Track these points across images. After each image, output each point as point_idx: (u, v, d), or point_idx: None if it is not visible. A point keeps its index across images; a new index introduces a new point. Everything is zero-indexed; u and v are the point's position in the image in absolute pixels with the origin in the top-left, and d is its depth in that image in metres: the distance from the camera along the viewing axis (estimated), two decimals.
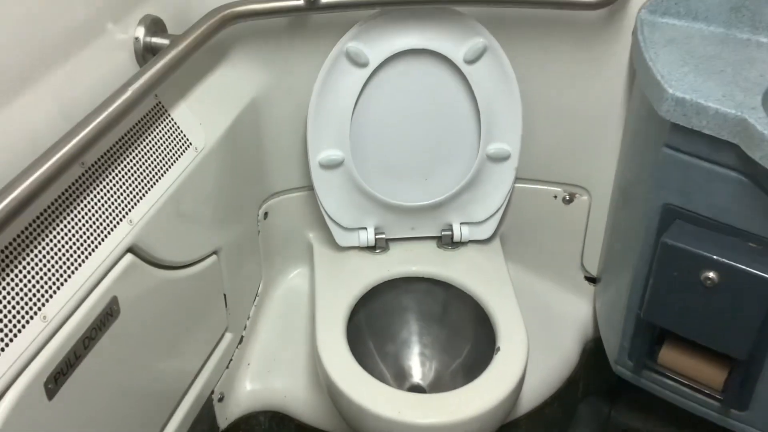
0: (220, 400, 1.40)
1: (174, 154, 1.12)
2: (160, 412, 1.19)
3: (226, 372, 1.40)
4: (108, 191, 0.99)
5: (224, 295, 1.34)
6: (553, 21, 1.29)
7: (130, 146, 1.05)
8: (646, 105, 1.14)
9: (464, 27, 1.27)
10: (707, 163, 1.07)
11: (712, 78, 1.07)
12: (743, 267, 1.07)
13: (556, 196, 1.52)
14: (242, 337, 1.46)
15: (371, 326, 1.43)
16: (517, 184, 1.46)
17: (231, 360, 1.42)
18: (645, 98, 1.14)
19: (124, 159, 1.04)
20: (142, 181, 1.05)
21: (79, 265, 0.92)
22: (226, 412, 1.43)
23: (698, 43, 1.16)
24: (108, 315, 0.96)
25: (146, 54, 1.10)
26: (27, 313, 0.85)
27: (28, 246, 0.87)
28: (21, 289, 0.85)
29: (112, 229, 0.98)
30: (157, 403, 1.18)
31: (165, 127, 1.12)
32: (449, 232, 1.46)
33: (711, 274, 1.09)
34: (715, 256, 1.08)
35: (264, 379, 1.47)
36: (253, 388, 1.46)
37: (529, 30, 1.31)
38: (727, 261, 1.08)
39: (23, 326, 0.84)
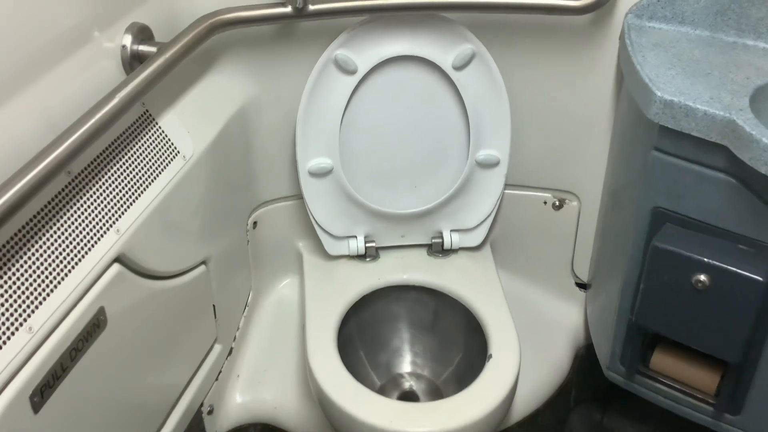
0: (210, 412, 1.38)
1: (162, 163, 1.11)
2: (149, 426, 1.17)
3: (216, 384, 1.38)
4: (95, 200, 0.98)
5: (213, 305, 1.32)
6: (540, 27, 1.30)
7: (117, 155, 1.04)
8: (635, 109, 1.15)
9: (452, 33, 1.27)
10: (696, 165, 1.07)
11: (700, 80, 1.08)
12: (734, 269, 1.07)
13: (545, 202, 1.52)
14: (232, 348, 1.45)
15: (362, 335, 1.42)
16: (506, 191, 1.46)
17: (220, 372, 1.40)
18: (633, 102, 1.14)
19: (112, 168, 1.02)
20: (129, 190, 1.04)
21: (66, 275, 0.91)
22: (216, 425, 1.41)
23: (685, 47, 1.17)
24: (95, 326, 0.95)
25: (133, 62, 1.09)
26: (12, 324, 0.83)
27: (13, 256, 0.86)
28: (6, 300, 0.83)
29: (99, 239, 0.97)
30: (146, 417, 1.16)
31: (152, 135, 1.11)
32: (439, 240, 1.46)
33: (702, 277, 1.09)
34: (705, 259, 1.08)
35: (254, 391, 1.46)
36: (243, 400, 1.45)
37: (516, 36, 1.31)
38: (717, 263, 1.08)
39: (8, 338, 0.82)
